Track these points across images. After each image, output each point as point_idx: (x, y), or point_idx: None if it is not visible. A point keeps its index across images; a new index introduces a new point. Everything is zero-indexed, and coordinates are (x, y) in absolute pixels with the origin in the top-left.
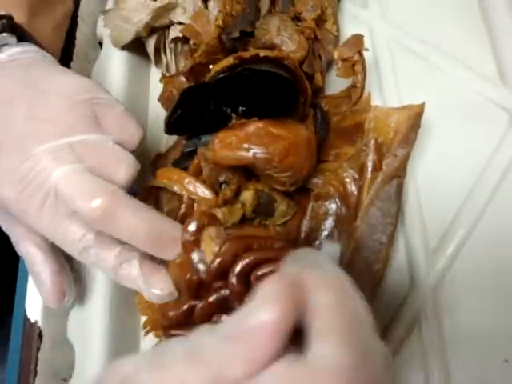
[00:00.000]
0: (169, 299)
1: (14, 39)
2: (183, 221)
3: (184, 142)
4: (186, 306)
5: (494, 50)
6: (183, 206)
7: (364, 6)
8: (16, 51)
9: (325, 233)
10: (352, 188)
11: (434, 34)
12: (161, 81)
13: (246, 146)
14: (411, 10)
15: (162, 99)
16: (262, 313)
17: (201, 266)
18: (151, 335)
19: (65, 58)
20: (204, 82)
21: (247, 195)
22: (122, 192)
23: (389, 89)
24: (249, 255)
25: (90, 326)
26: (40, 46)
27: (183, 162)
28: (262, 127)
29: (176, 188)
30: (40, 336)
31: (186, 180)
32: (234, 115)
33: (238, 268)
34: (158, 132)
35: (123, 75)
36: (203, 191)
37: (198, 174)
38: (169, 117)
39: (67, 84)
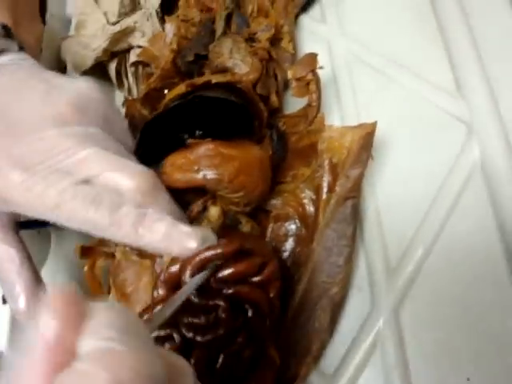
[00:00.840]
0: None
1: (15, 46)
2: None
3: None
4: None
5: (450, 60)
6: None
7: (322, 21)
8: (17, 57)
9: (286, 254)
10: (311, 209)
11: (391, 47)
12: (123, 105)
13: (196, 167)
14: (369, 23)
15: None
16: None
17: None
18: None
19: None
20: (158, 114)
21: (214, 211)
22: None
23: (347, 105)
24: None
25: None
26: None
27: None
28: (213, 148)
29: None
30: None
31: None
32: (191, 140)
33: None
34: None
35: None
36: None
37: None
38: (134, 153)
39: (80, 84)
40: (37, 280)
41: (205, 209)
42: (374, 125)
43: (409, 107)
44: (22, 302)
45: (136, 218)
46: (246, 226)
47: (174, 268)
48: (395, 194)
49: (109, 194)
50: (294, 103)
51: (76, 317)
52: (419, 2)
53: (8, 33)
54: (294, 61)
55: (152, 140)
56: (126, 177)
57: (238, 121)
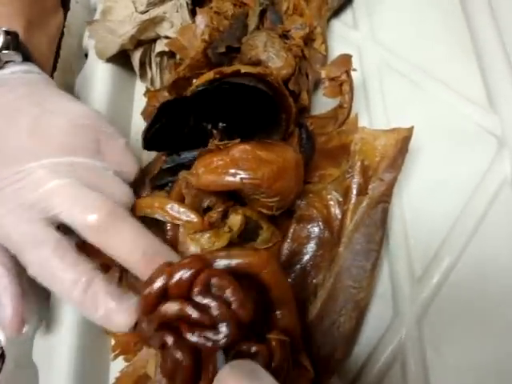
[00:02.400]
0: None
1: (19, 57)
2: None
3: (164, 157)
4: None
5: (482, 73)
6: (168, 232)
7: (354, 27)
8: (19, 69)
9: (306, 257)
10: (336, 211)
11: (422, 56)
12: (145, 95)
13: (232, 170)
14: (401, 31)
15: (145, 114)
16: None
17: None
18: (121, 359)
19: None
20: (183, 96)
21: (236, 220)
22: (120, 207)
23: (376, 110)
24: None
25: (56, 350)
26: (39, 64)
27: (161, 178)
28: (250, 150)
29: (159, 215)
30: (2, 356)
31: (169, 205)
32: (214, 131)
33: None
34: (140, 147)
35: (107, 88)
36: (188, 215)
37: (180, 200)
38: (146, 131)
39: (73, 108)
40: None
41: (226, 214)
42: (411, 130)
43: (439, 118)
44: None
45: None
46: (266, 232)
47: None
48: (422, 203)
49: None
50: (321, 105)
51: None
52: (452, 15)
53: (14, 41)
54: (325, 63)
55: (171, 124)
56: (79, 213)
57: (263, 114)
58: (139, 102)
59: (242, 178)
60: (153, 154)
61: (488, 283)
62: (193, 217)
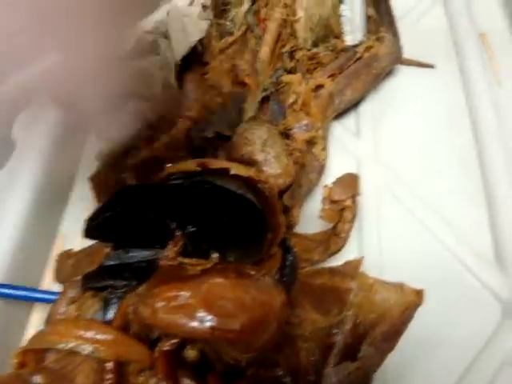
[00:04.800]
0: None
1: None
2: None
3: (106, 250)
4: None
5: (491, 221)
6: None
7: (356, 135)
8: None
9: None
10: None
11: (427, 187)
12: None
13: (201, 314)
14: (406, 153)
15: (95, 181)
16: None
17: None
18: None
19: None
20: (149, 183)
21: (191, 354)
22: None
23: (369, 237)
24: None
25: None
26: None
27: (100, 278)
28: (229, 289)
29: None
30: None
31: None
32: (177, 233)
33: None
34: None
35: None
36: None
37: (124, 325)
38: (91, 219)
39: None
40: None
41: (182, 346)
42: (421, 295)
43: (436, 261)
44: None
45: None
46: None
47: None
48: (418, 360)
49: None
50: None
51: None
52: (464, 147)
53: None
54: (322, 173)
55: (125, 214)
56: None
57: (243, 227)
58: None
59: (212, 327)
60: None
61: None
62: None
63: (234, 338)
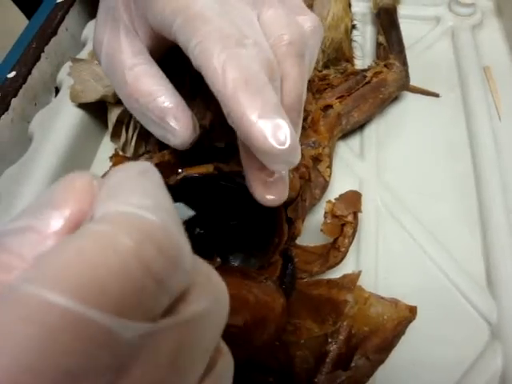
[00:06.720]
0: None
1: None
2: None
3: None
4: None
5: (484, 250)
6: None
7: (360, 156)
8: None
9: None
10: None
11: (425, 210)
12: (111, 159)
13: None
14: (407, 177)
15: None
16: None
17: None
18: None
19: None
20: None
21: None
22: None
23: (367, 254)
24: None
25: None
26: None
27: None
28: (235, 286)
29: None
30: None
31: None
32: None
33: None
34: None
35: (70, 133)
36: None
37: None
38: None
39: None
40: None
41: None
42: (414, 311)
43: (429, 282)
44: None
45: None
46: None
47: None
48: (408, 376)
49: None
50: None
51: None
52: (464, 180)
53: None
54: (325, 189)
55: None
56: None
57: (251, 232)
58: (100, 160)
59: None
60: None
61: None
62: None
63: (236, 334)
